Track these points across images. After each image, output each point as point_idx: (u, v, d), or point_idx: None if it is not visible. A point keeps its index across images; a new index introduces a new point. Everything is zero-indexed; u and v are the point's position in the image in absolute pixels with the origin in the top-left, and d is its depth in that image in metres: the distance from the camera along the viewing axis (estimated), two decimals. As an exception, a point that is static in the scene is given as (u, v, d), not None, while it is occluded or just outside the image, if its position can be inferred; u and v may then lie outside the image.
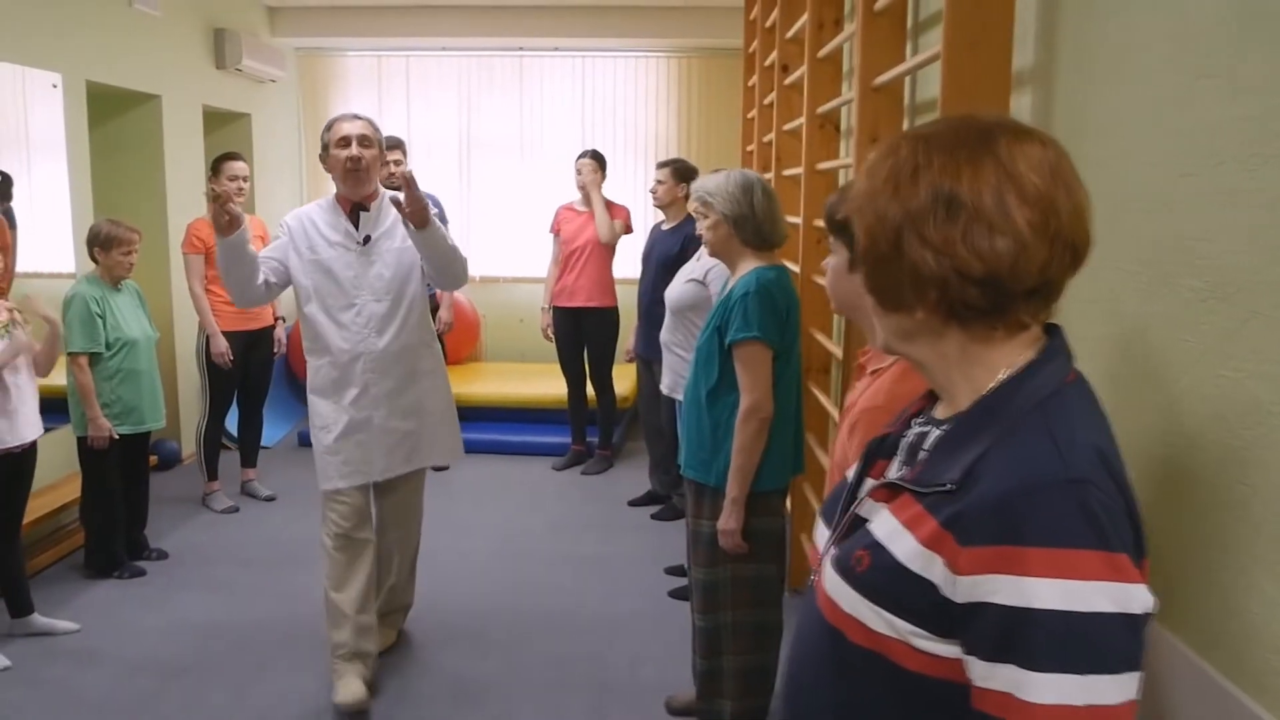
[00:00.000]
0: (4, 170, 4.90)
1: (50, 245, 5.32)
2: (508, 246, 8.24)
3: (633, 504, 5.79)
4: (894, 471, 1.24)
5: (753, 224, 3.10)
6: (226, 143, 6.90)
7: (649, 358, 5.40)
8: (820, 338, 4.13)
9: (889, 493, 1.17)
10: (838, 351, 3.94)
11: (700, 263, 4.34)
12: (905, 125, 3.22)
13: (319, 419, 3.64)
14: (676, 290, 4.36)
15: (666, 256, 5.27)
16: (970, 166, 1.08)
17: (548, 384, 7.13)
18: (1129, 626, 0.99)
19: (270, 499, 5.80)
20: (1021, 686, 0.98)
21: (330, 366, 3.60)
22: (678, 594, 4.49)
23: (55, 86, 5.22)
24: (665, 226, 5.46)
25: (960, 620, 1.03)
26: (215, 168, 5.60)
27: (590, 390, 6.42)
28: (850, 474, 1.33)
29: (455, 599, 4.48)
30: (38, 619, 4.08)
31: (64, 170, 5.32)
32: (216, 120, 7.09)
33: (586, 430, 6.58)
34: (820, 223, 4.14)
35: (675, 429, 5.11)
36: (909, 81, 3.21)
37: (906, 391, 1.81)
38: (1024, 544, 0.99)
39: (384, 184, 6.02)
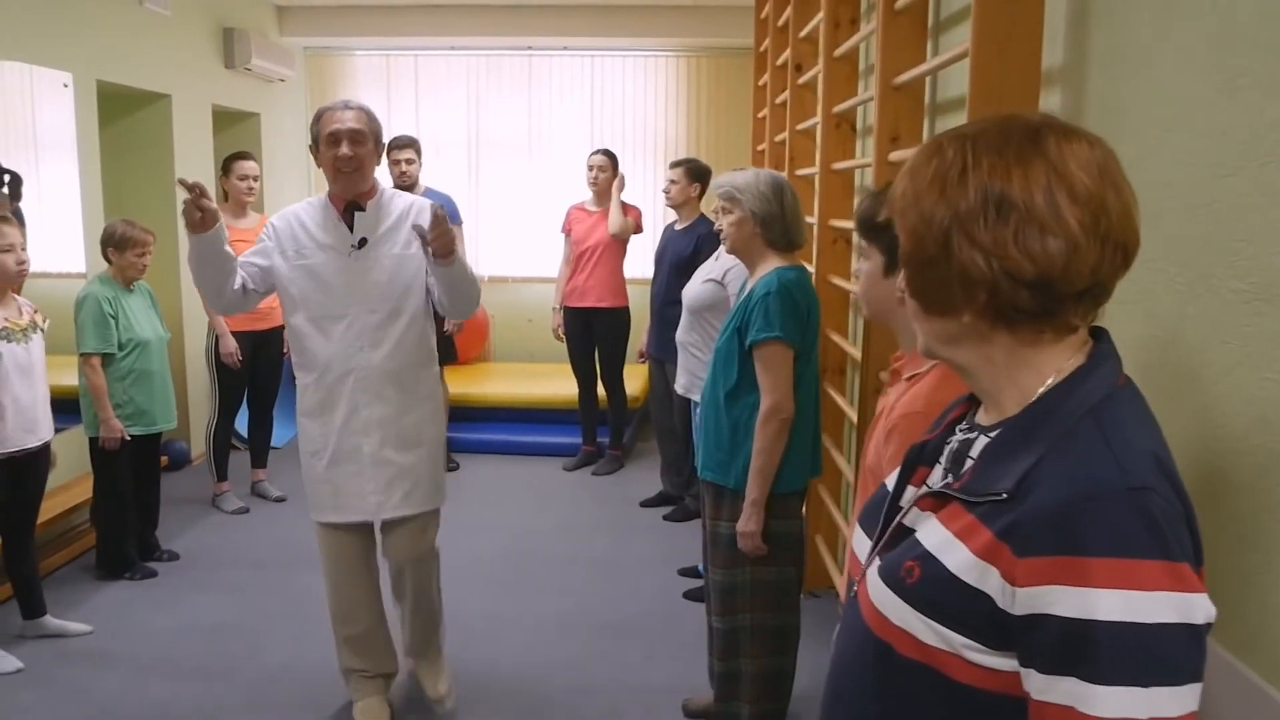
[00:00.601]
0: (13, 170, 4.88)
1: (59, 245, 5.30)
2: (516, 246, 8.22)
3: (644, 505, 5.77)
4: (937, 479, 1.21)
5: (781, 225, 3.07)
6: (235, 142, 6.88)
7: (662, 358, 5.38)
8: (837, 339, 4.11)
9: (936, 502, 1.14)
10: (855, 353, 3.92)
11: (719, 262, 4.32)
12: (926, 125, 3.20)
13: (309, 443, 3.30)
14: (694, 290, 4.34)
15: (679, 257, 5.25)
16: (1020, 166, 1.06)
17: (557, 384, 7.11)
18: (1192, 637, 0.97)
19: (280, 500, 5.78)
20: (1083, 699, 0.95)
21: (318, 385, 3.24)
22: (692, 595, 4.48)
23: (66, 86, 5.21)
24: (678, 227, 5.44)
25: (1017, 632, 1.01)
26: (226, 167, 5.60)
27: (601, 390, 6.40)
28: (889, 482, 1.30)
29: (467, 600, 4.45)
30: (50, 620, 4.06)
31: (72, 170, 5.31)
32: (225, 120, 7.08)
33: (597, 431, 6.56)
34: (836, 223, 4.14)
35: (689, 429, 5.10)
36: (929, 80, 3.18)
37: (945, 398, 1.77)
38: (1085, 554, 0.97)
39: (396, 183, 6.06)
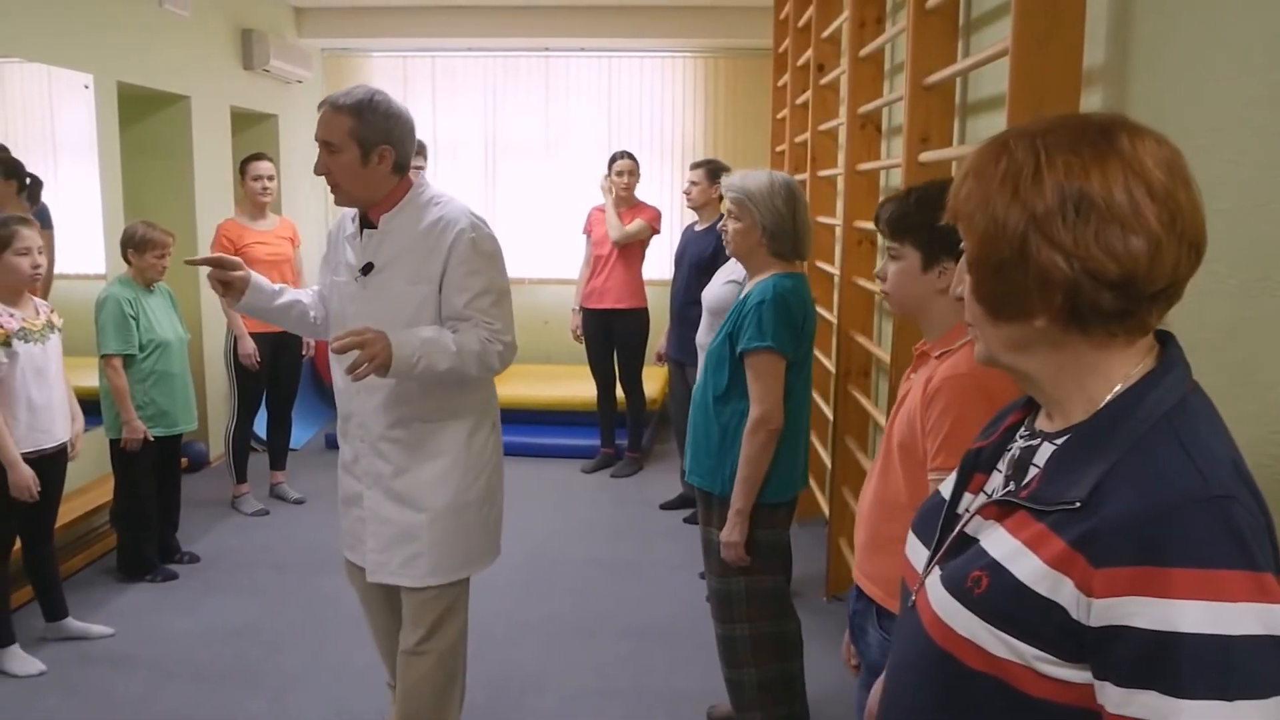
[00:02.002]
0: (33, 173, 4.88)
1: (77, 246, 5.30)
2: (533, 248, 8.20)
3: (664, 507, 5.74)
4: (996, 486, 1.18)
5: (790, 240, 3.02)
6: (253, 143, 6.87)
7: (681, 360, 5.35)
8: (862, 340, 4.08)
9: (1001, 510, 1.11)
10: (880, 354, 3.89)
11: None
12: (957, 125, 3.17)
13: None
14: (715, 291, 4.31)
15: (700, 258, 5.22)
16: (1097, 164, 1.03)
17: (574, 386, 7.10)
18: (1277, 649, 0.94)
19: (299, 502, 5.77)
20: (1165, 714, 0.93)
21: (339, 418, 2.93)
22: (715, 600, 4.45)
23: (87, 87, 5.21)
24: (698, 227, 5.41)
25: (1092, 644, 0.98)
26: (242, 168, 5.59)
27: (620, 392, 6.38)
28: (945, 489, 1.28)
29: (488, 602, 4.42)
30: (72, 623, 4.06)
31: (90, 171, 5.31)
32: (243, 121, 7.08)
33: (615, 433, 6.54)
34: (861, 224, 4.11)
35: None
36: (959, 81, 3.15)
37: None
38: (1167, 565, 0.94)
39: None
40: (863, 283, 4.12)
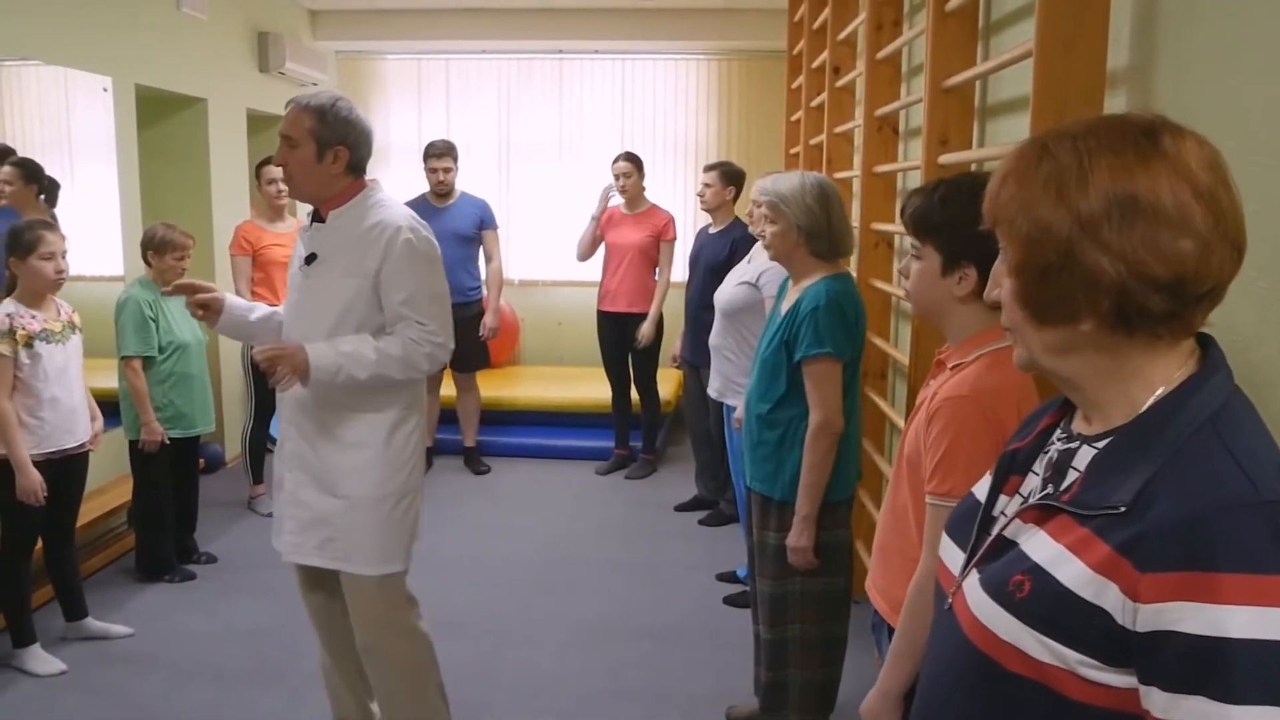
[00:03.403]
0: (50, 176, 4.90)
1: (94, 248, 5.32)
2: (547, 249, 8.21)
3: (679, 509, 5.75)
4: (1033, 489, 1.18)
5: (827, 238, 3.02)
6: (269, 146, 6.83)
7: (696, 362, 5.35)
8: (879, 342, 4.07)
9: (1041, 514, 1.11)
10: (898, 355, 3.89)
11: (751, 265, 4.30)
12: (976, 127, 3.17)
13: None
14: (727, 293, 4.32)
15: (715, 260, 5.22)
16: (1142, 166, 1.03)
17: (587, 387, 7.12)
18: None
19: (315, 503, 5.78)
20: (1213, 718, 0.93)
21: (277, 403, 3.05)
22: (733, 601, 4.45)
23: (106, 90, 5.23)
24: (712, 230, 5.41)
25: (1138, 649, 0.98)
26: (258, 171, 5.61)
27: (634, 394, 6.39)
28: (979, 491, 1.28)
29: (505, 604, 4.45)
30: (92, 623, 4.08)
31: (106, 173, 5.34)
32: (259, 123, 7.10)
33: (630, 434, 6.54)
34: (878, 226, 4.11)
35: (723, 434, 5.08)
36: (979, 83, 3.15)
37: (992, 384, 1.80)
38: (1216, 569, 0.93)
39: (434, 190, 6.08)
40: (879, 284, 4.11)
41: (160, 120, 6.11)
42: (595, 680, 3.82)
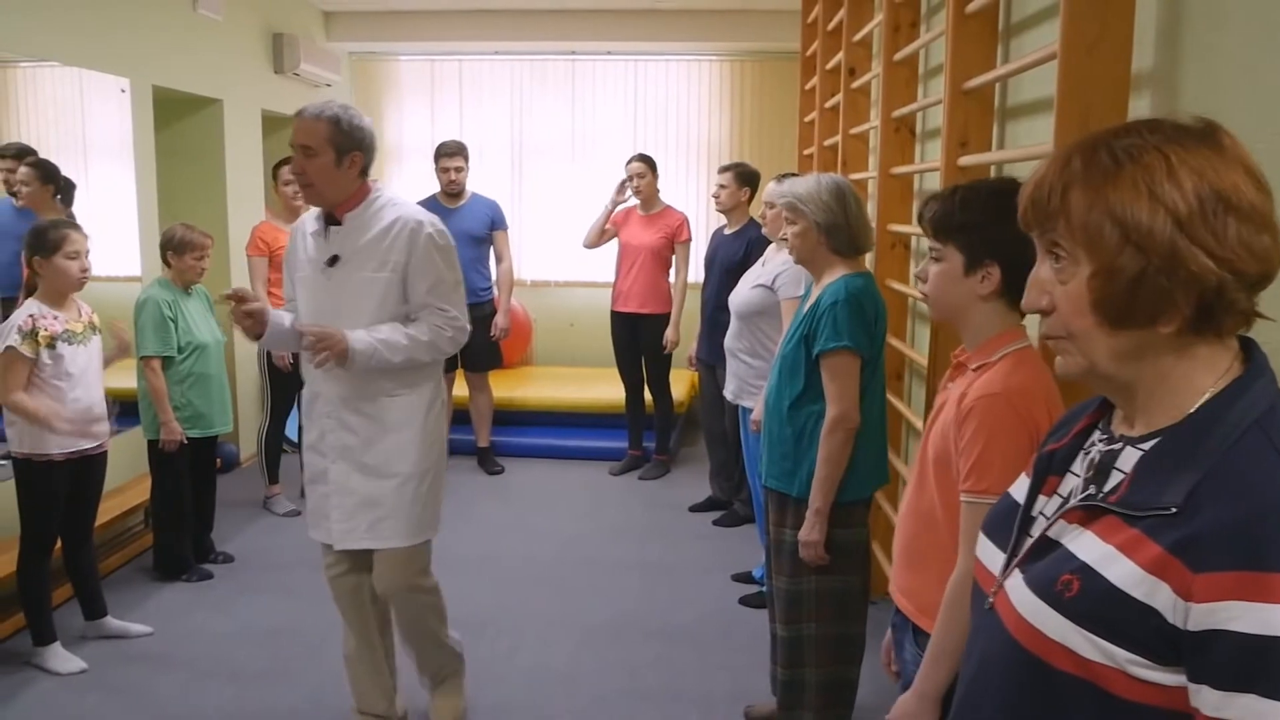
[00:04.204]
0: (66, 176, 4.92)
1: (109, 248, 5.34)
2: (559, 250, 8.22)
3: (693, 510, 5.76)
4: (1073, 489, 1.19)
5: (846, 233, 3.04)
6: (283, 146, 6.83)
7: (712, 362, 5.36)
8: (895, 343, 4.07)
9: (1087, 514, 1.11)
10: (914, 356, 3.90)
11: (766, 267, 4.30)
12: (995, 129, 3.17)
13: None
14: (742, 295, 4.33)
15: (730, 261, 5.23)
16: (1220, 163, 1.03)
17: (599, 388, 7.13)
18: None
19: (330, 502, 5.79)
20: (1264, 716, 0.93)
21: (305, 400, 3.25)
22: (749, 601, 4.46)
23: (124, 91, 5.26)
24: (728, 231, 5.42)
25: (1190, 648, 0.98)
26: (275, 172, 5.63)
27: (647, 395, 6.40)
28: (1016, 491, 1.28)
29: (522, 604, 4.46)
30: (112, 621, 4.10)
31: (120, 173, 5.37)
32: (273, 124, 7.11)
33: (643, 435, 6.56)
34: (895, 227, 4.12)
35: (739, 435, 5.08)
36: (998, 85, 3.16)
37: (1021, 383, 1.81)
38: (1269, 569, 0.94)
39: (445, 190, 6.09)
40: (896, 285, 4.12)
41: (176, 121, 6.13)
42: (612, 680, 3.83)
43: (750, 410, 4.16)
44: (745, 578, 4.73)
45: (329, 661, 3.92)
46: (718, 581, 4.74)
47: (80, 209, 4.95)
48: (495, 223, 6.30)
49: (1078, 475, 1.19)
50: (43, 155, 4.76)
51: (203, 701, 3.65)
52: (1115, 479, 1.12)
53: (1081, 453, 1.21)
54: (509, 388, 7.11)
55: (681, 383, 6.82)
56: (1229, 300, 1.03)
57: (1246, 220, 1.02)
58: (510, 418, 6.96)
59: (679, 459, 6.81)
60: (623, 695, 3.73)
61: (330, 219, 3.04)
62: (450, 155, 6.10)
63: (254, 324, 2.97)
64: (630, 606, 4.49)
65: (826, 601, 3.08)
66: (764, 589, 4.40)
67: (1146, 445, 1.10)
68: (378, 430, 3.08)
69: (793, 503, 3.06)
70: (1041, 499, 1.23)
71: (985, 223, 1.87)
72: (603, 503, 5.98)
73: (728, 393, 4.49)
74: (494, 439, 6.64)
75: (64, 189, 4.89)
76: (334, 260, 3.01)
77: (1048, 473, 1.24)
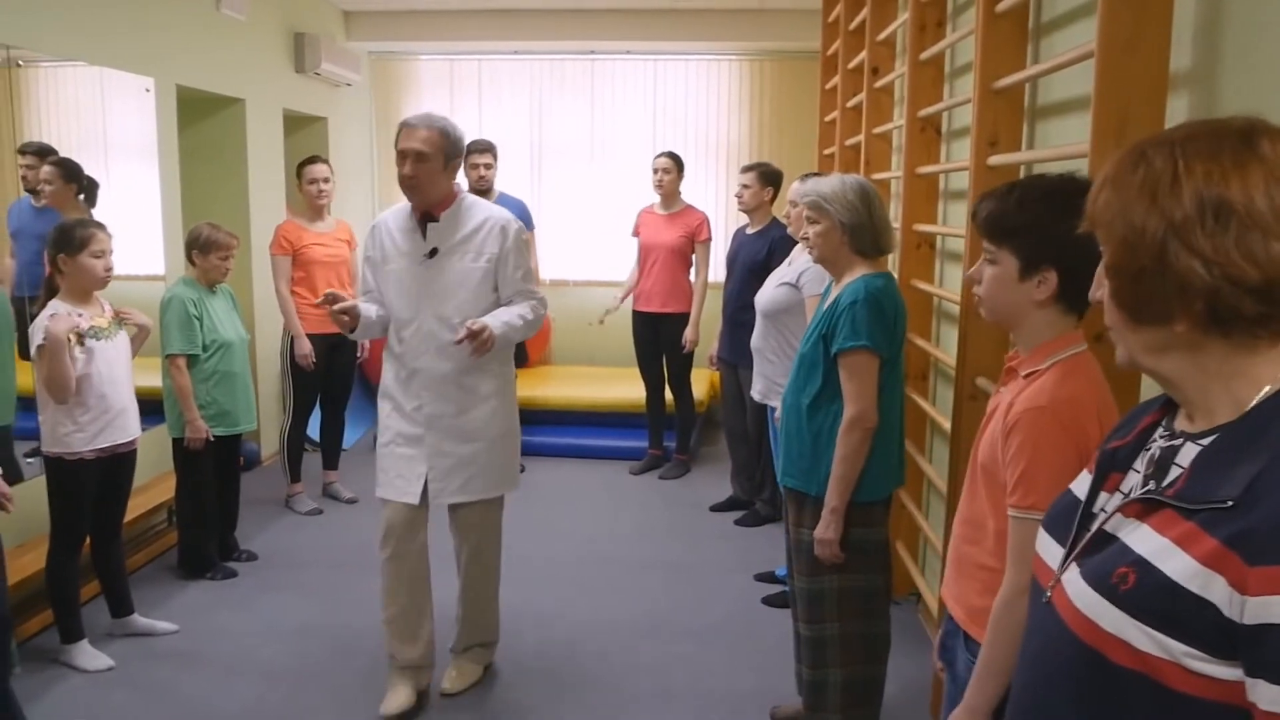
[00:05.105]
0: (90, 176, 4.94)
1: (130, 248, 5.34)
2: (578, 250, 8.23)
3: (715, 509, 5.75)
4: (1134, 485, 1.19)
5: (870, 233, 3.04)
6: (304, 146, 6.95)
7: (734, 362, 5.36)
8: (921, 343, 4.07)
9: (1144, 508, 1.12)
10: (941, 356, 3.89)
11: (792, 266, 4.30)
12: (1025, 129, 3.17)
13: (382, 425, 3.63)
14: (768, 294, 4.32)
15: (753, 261, 5.23)
16: (1237, 170, 1.04)
17: (618, 387, 7.13)
18: None
19: (352, 501, 5.83)
20: None
21: (394, 377, 3.56)
22: (772, 601, 4.46)
23: (148, 91, 5.28)
24: (750, 230, 5.41)
25: (1245, 641, 0.98)
26: (299, 171, 5.64)
27: (668, 394, 6.40)
28: (1077, 488, 1.29)
29: (546, 603, 4.47)
30: (138, 619, 4.12)
31: (141, 172, 5.38)
32: (294, 124, 7.15)
33: (663, 434, 6.55)
34: (920, 227, 4.11)
35: (761, 434, 5.09)
36: (1028, 84, 3.15)
37: (1069, 393, 1.77)
38: None
39: (473, 187, 6.10)
40: (921, 285, 4.11)
41: (198, 121, 6.15)
42: (639, 680, 3.83)
43: (777, 409, 4.15)
44: (768, 578, 4.73)
45: (355, 660, 3.95)
46: (740, 581, 4.74)
47: (101, 208, 4.96)
48: (522, 223, 6.28)
49: (1139, 472, 1.20)
50: (64, 154, 4.77)
51: (230, 699, 3.66)
52: (1174, 473, 1.13)
53: (1144, 450, 1.22)
54: (529, 387, 7.11)
55: (701, 382, 6.82)
56: (1229, 305, 1.04)
57: (1252, 227, 1.02)
58: (529, 417, 6.88)
59: (698, 458, 6.81)
60: (652, 694, 3.73)
61: (427, 216, 3.46)
62: (480, 152, 6.10)
63: (349, 320, 3.36)
64: (655, 606, 4.49)
65: (848, 600, 3.07)
66: (787, 589, 4.41)
67: (1206, 441, 1.11)
68: (471, 400, 3.52)
69: (811, 502, 3.06)
70: (1103, 495, 1.23)
71: (1042, 225, 1.81)
72: (624, 502, 5.98)
73: (755, 392, 4.48)
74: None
75: (88, 188, 4.91)
76: (434, 252, 3.46)
77: (1110, 470, 1.25)
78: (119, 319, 3.90)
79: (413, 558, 3.60)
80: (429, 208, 3.46)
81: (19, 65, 4.41)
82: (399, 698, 3.53)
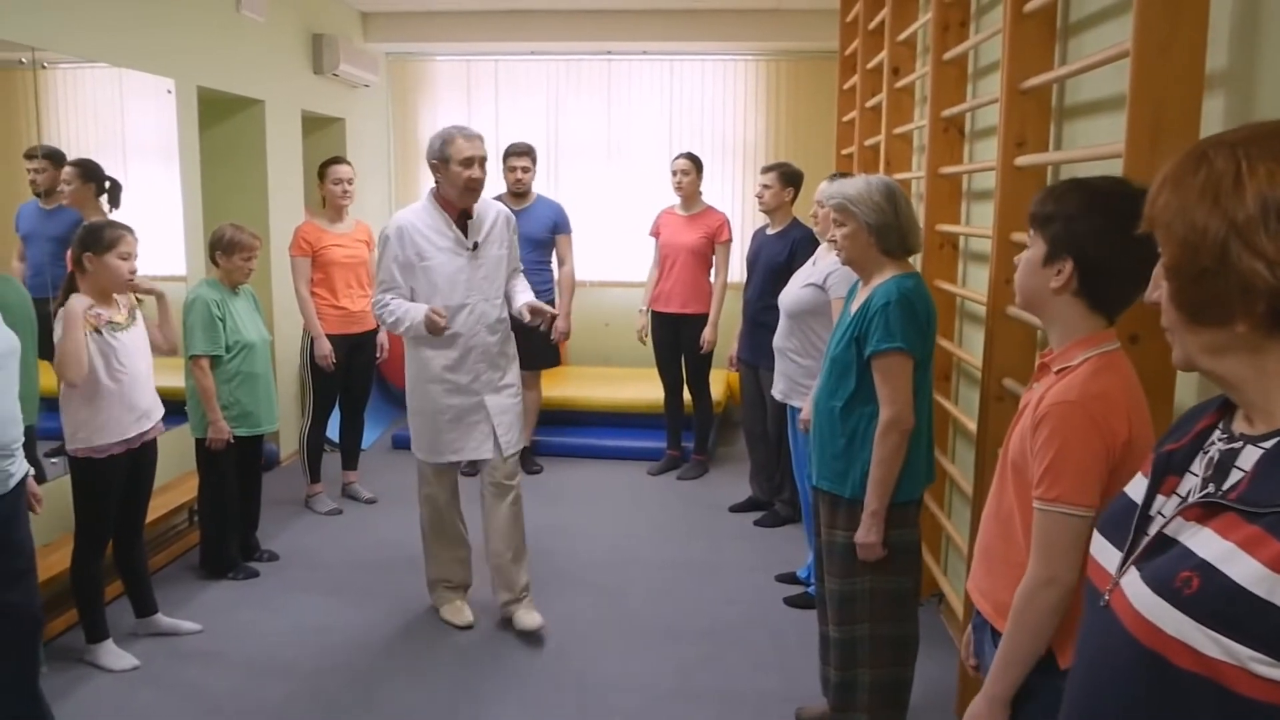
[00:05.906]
0: (113, 177, 4.95)
1: (149, 248, 5.34)
2: (594, 251, 8.21)
3: (734, 510, 5.75)
4: (1192, 488, 1.18)
5: (897, 234, 3.03)
6: (322, 147, 6.97)
7: (754, 362, 5.35)
8: (944, 343, 4.06)
9: (1205, 511, 1.11)
10: (965, 356, 3.88)
11: (817, 266, 4.29)
12: (1053, 129, 3.16)
13: (434, 402, 4.08)
14: (793, 295, 4.31)
15: (774, 262, 5.21)
16: None
17: (635, 388, 7.13)
18: None
19: (371, 501, 5.83)
20: None
21: (444, 362, 4.05)
22: (795, 602, 4.45)
23: (169, 92, 5.29)
24: (771, 231, 5.40)
25: None
26: (321, 172, 5.66)
27: (686, 395, 6.39)
28: (1133, 491, 1.28)
29: (569, 603, 4.47)
30: (162, 619, 4.13)
31: (160, 173, 5.39)
32: (312, 125, 7.16)
33: (681, 435, 6.55)
34: (944, 228, 4.11)
35: (782, 435, 5.07)
36: (1055, 84, 3.14)
37: (1100, 389, 1.77)
38: None
39: (511, 190, 6.10)
40: (945, 286, 4.10)
41: (218, 122, 6.17)
42: (663, 681, 3.83)
43: (799, 410, 4.15)
44: (789, 578, 4.73)
45: (379, 659, 3.96)
46: (762, 582, 4.74)
47: (121, 208, 4.97)
48: (559, 226, 6.26)
49: (1196, 475, 1.20)
50: (83, 155, 4.77)
51: (256, 699, 3.67)
52: (1235, 477, 1.12)
53: (1201, 453, 1.21)
54: (546, 388, 7.10)
55: (719, 383, 6.81)
56: None
57: None
58: (547, 417, 6.95)
59: (716, 459, 6.80)
60: (675, 695, 3.73)
61: (465, 214, 4.03)
62: (518, 155, 6.09)
63: (444, 319, 3.90)
64: (676, 607, 4.49)
65: (881, 602, 3.08)
66: (809, 590, 4.40)
67: (1268, 444, 1.10)
68: (508, 362, 4.21)
69: (845, 504, 3.06)
70: (1160, 499, 1.23)
71: (1068, 216, 1.84)
72: (642, 502, 5.98)
73: (776, 392, 4.47)
74: (533, 438, 6.63)
75: (111, 190, 4.92)
76: (476, 245, 4.04)
77: (1166, 472, 1.24)
78: (136, 298, 3.91)
79: (453, 501, 4.31)
80: (467, 205, 4.02)
81: (44, 67, 4.42)
82: (465, 612, 4.26)
